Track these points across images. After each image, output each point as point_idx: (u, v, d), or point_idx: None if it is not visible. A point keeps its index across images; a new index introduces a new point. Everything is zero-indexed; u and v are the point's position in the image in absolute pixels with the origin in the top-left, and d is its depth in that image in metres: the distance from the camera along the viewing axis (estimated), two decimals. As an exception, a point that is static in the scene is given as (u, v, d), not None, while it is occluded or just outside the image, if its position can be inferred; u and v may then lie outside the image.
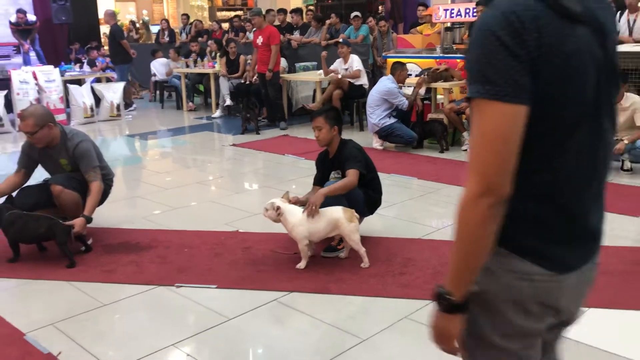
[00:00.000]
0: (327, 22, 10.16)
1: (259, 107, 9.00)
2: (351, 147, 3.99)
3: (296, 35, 10.61)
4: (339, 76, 8.20)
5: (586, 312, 3.01)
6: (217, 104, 10.28)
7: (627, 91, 5.51)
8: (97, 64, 11.82)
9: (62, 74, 10.02)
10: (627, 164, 5.59)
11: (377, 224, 4.42)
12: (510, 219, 1.20)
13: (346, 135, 4.26)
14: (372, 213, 4.14)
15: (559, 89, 1.15)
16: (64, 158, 4.05)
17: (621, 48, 6.07)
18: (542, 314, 1.26)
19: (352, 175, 3.78)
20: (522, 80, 1.12)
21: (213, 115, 10.12)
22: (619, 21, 6.41)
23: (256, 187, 5.98)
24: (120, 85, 10.29)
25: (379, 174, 4.19)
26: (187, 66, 10.97)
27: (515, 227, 1.22)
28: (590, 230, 1.30)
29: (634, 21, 6.29)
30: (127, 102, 10.81)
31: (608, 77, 1.23)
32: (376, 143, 7.13)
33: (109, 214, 4.66)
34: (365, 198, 3.94)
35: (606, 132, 1.26)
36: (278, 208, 3.65)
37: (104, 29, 14.90)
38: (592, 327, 2.91)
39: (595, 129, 1.23)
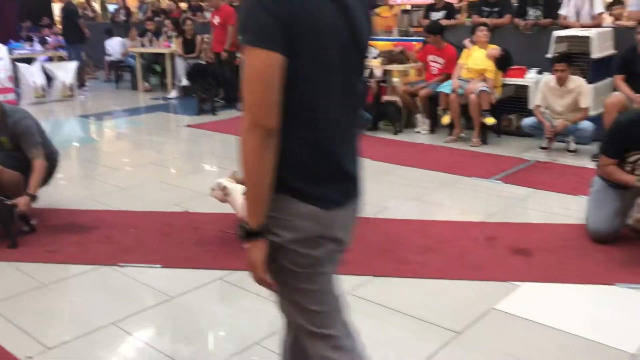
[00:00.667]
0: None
1: (216, 87, 8.90)
2: None
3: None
4: None
5: (521, 287, 3.13)
6: (173, 85, 10.12)
7: (573, 74, 5.65)
8: (49, 42, 11.48)
9: (10, 52, 9.69)
10: (572, 145, 5.75)
11: (327, 203, 4.45)
12: (284, 166, 1.45)
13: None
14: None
15: (306, 49, 1.41)
16: (4, 136, 3.94)
17: (568, 33, 6.22)
18: (325, 243, 1.55)
19: None
20: (275, 33, 1.37)
21: (169, 96, 9.96)
22: (567, 6, 6.52)
23: (210, 167, 5.94)
24: (73, 64, 10.02)
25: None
26: (143, 45, 10.75)
27: (288, 173, 1.47)
28: (347, 172, 1.59)
29: (581, 7, 6.41)
30: (80, 82, 10.55)
31: (355, 47, 1.52)
32: (332, 124, 7.15)
33: (57, 195, 4.57)
34: None
35: (356, 91, 1.57)
36: (224, 188, 3.64)
37: (56, 6, 14.46)
38: (528, 301, 3.02)
39: (346, 86, 1.53)
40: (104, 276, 3.35)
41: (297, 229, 1.50)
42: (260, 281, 1.53)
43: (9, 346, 2.61)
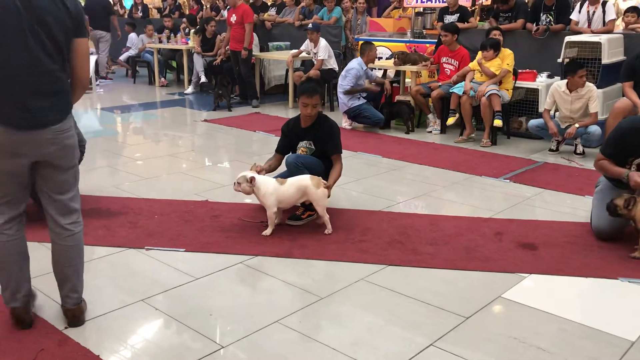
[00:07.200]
0: (302, 3, 10.26)
1: (232, 84, 9.10)
2: (332, 124, 4.24)
3: (272, 12, 10.70)
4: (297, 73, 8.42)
5: (527, 278, 3.29)
6: (190, 80, 10.32)
7: (585, 77, 5.77)
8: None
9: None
10: (580, 148, 5.89)
11: (342, 197, 4.63)
12: None
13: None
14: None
15: None
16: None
17: (579, 38, 6.35)
18: (8, 156, 2.45)
19: (340, 161, 4.18)
20: None
21: (185, 92, 10.17)
22: (579, 12, 6.67)
23: (226, 160, 6.12)
24: (93, 58, 10.26)
25: (347, 152, 4.39)
26: (160, 41, 10.96)
27: None
28: (27, 108, 2.38)
29: (593, 13, 6.56)
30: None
31: (34, 26, 2.31)
32: (345, 123, 7.32)
33: (81, 182, 4.63)
34: (325, 168, 4.16)
35: (37, 59, 2.35)
36: (252, 179, 3.79)
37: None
38: (533, 291, 3.18)
39: (24, 54, 2.32)
40: (130, 258, 3.54)
41: None
42: None
43: (49, 318, 2.81)
